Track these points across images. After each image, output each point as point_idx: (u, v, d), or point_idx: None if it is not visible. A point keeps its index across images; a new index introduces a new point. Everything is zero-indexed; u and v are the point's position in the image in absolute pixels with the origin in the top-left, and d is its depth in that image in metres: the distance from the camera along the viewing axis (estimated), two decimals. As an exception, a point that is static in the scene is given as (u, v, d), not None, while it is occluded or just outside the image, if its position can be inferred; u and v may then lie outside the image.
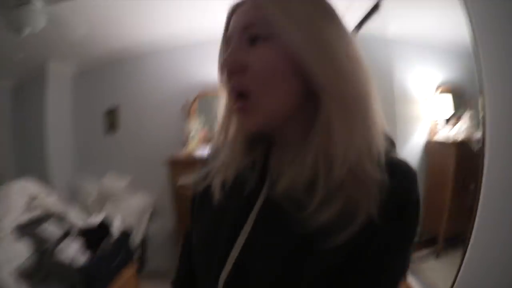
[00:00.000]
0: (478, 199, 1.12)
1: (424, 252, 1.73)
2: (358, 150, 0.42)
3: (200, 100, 2.89)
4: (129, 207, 2.85)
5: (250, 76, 0.44)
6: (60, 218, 1.97)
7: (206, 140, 2.77)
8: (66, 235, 1.82)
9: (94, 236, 1.89)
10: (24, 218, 1.80)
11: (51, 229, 1.82)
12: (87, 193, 2.71)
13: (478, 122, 1.23)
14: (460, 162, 1.57)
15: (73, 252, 1.71)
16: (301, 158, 0.44)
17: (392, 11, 1.84)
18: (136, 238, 2.52)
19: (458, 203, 1.53)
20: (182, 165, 2.56)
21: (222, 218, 0.51)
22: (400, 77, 1.87)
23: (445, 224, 1.64)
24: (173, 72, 2.97)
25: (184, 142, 2.84)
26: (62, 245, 1.72)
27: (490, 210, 1.10)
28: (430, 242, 1.71)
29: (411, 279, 1.74)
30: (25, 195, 1.93)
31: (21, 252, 1.58)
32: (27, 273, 1.53)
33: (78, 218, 2.07)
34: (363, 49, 0.47)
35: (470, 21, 1.14)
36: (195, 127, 2.80)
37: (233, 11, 0.48)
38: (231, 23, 0.48)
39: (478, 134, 1.28)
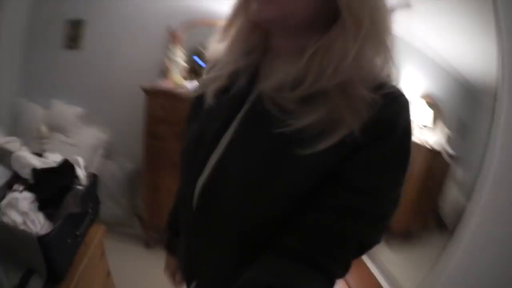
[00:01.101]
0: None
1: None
2: (354, 68, 0.43)
3: (187, 30, 2.34)
4: (82, 143, 2.30)
5: None
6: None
7: (188, 74, 2.31)
8: (12, 181, 1.32)
9: (51, 185, 1.42)
10: None
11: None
12: (31, 122, 2.07)
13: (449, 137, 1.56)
14: (431, 167, 1.66)
15: (25, 207, 1.25)
16: (293, 62, 0.46)
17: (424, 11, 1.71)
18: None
19: (421, 202, 1.67)
20: (161, 96, 2.09)
21: (209, 121, 0.53)
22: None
23: (405, 220, 1.70)
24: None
25: (163, 72, 2.33)
26: (8, 197, 1.24)
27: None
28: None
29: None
30: None
31: None
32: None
33: (24, 156, 1.52)
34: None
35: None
36: (179, 57, 2.30)
37: None
38: None
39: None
